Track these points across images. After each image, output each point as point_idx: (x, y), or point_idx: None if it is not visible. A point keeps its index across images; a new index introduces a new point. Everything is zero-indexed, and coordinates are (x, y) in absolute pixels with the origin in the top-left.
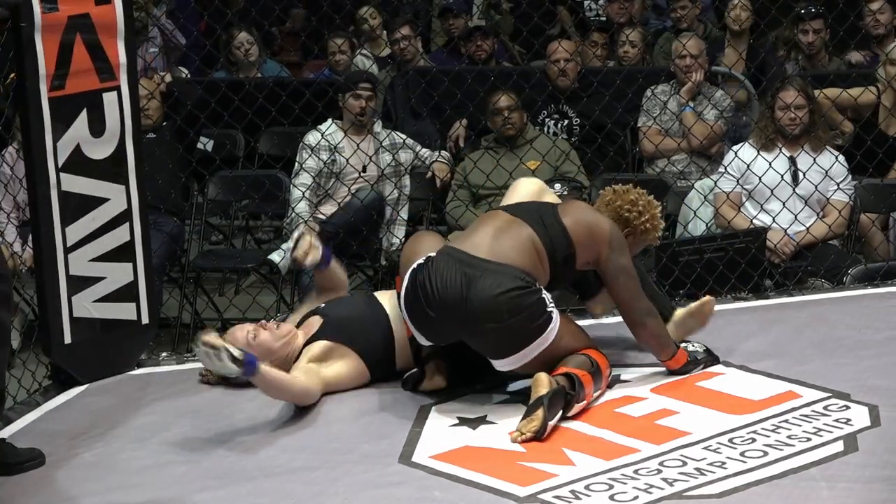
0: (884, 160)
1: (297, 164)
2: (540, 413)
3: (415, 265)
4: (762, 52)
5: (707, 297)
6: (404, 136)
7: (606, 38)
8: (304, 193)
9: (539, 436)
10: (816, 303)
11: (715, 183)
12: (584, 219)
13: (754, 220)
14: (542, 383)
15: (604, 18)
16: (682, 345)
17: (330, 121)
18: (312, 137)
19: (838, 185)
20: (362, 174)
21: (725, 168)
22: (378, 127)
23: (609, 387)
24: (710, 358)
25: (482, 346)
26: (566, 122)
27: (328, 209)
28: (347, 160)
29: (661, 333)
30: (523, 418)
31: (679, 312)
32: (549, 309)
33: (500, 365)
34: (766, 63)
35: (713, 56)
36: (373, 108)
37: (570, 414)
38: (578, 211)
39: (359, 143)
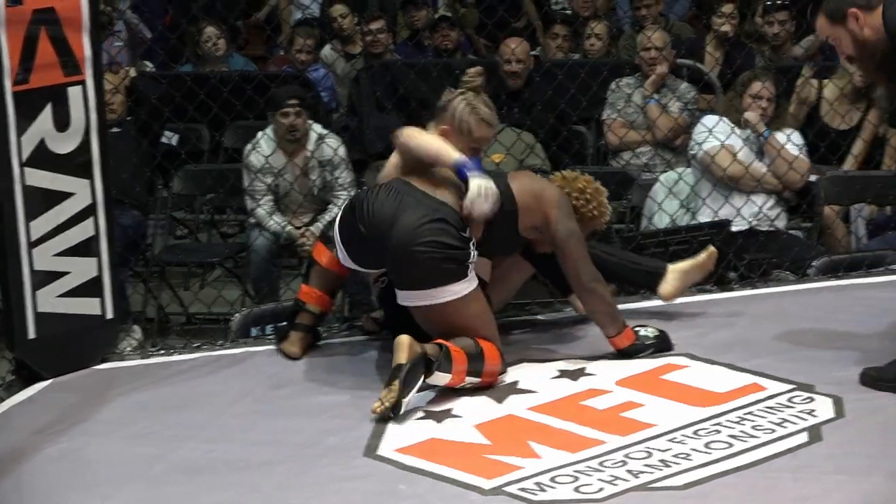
0: (834, 152)
1: (246, 185)
2: (396, 385)
3: (360, 191)
4: (738, 59)
5: (711, 249)
6: (335, 149)
7: (569, 31)
8: (270, 215)
9: (395, 408)
10: (781, 295)
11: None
12: (531, 184)
13: (718, 213)
14: (402, 349)
15: (569, 12)
16: (635, 328)
17: (267, 136)
18: (255, 159)
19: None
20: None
21: (710, 130)
22: (311, 144)
23: (573, 379)
24: (662, 344)
25: (395, 271)
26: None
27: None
28: (292, 184)
29: (609, 303)
30: (385, 387)
31: (684, 263)
32: (469, 264)
33: (403, 297)
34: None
35: (678, 49)
36: (303, 124)
37: (431, 381)
38: (526, 178)
39: (302, 168)
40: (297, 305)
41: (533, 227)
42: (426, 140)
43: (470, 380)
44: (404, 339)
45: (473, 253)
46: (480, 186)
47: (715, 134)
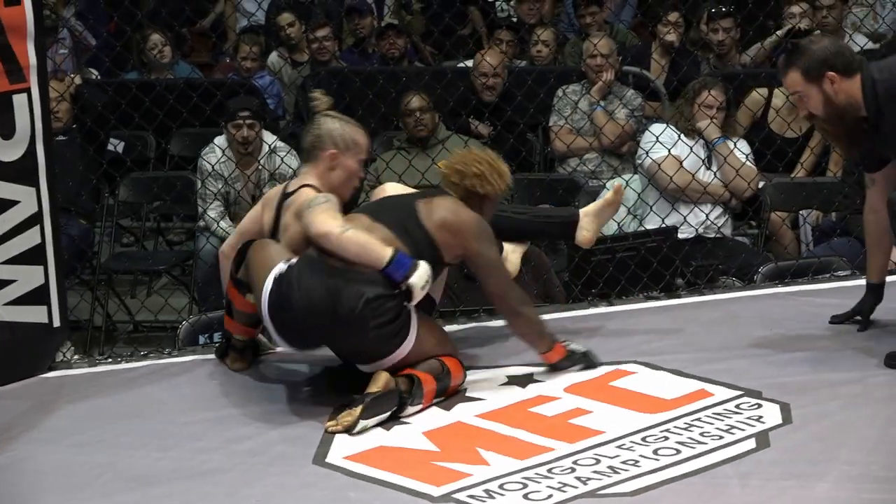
0: (780, 159)
1: (198, 188)
2: (357, 411)
3: (275, 272)
4: (684, 66)
5: (618, 184)
6: (283, 161)
7: (515, 37)
8: (217, 220)
9: (349, 431)
10: (728, 301)
11: (647, 152)
12: (447, 219)
13: (665, 220)
14: (378, 382)
15: (515, 19)
16: (563, 342)
17: (220, 142)
18: (207, 164)
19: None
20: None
21: (656, 138)
22: (262, 155)
23: (522, 386)
24: (589, 360)
25: (346, 352)
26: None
27: None
28: (238, 192)
29: (536, 322)
30: (346, 408)
31: (593, 205)
32: (411, 320)
33: (365, 367)
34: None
35: (624, 56)
36: (256, 135)
37: (403, 415)
38: (440, 210)
39: (249, 175)
40: (226, 334)
41: (455, 257)
42: (351, 241)
43: (436, 399)
44: (382, 375)
45: (410, 306)
46: (419, 285)
47: (661, 143)
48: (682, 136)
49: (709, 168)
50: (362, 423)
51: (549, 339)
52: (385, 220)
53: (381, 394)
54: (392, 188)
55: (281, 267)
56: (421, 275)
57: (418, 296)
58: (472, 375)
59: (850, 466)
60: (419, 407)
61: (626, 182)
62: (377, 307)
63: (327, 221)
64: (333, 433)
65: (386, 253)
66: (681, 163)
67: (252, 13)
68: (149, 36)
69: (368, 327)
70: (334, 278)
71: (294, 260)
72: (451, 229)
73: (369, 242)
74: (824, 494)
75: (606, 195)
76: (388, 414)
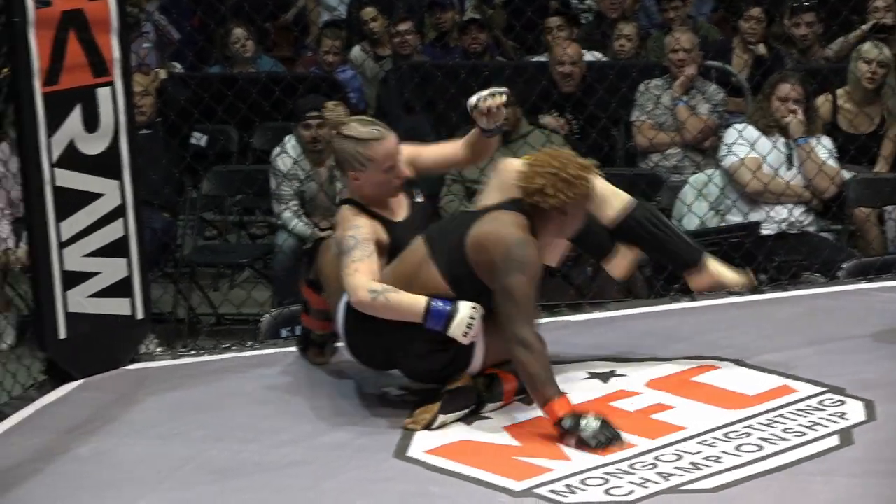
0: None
1: (273, 188)
2: (435, 407)
3: (344, 299)
4: (767, 62)
5: (752, 279)
6: None
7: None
8: (297, 217)
9: (428, 427)
10: (811, 297)
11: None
12: (478, 238)
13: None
14: (457, 379)
15: (590, 17)
16: (582, 420)
17: (294, 141)
18: (282, 164)
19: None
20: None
21: (739, 134)
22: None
23: (604, 381)
24: (599, 441)
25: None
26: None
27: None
28: (317, 191)
29: (533, 372)
30: (424, 404)
31: (725, 270)
32: (475, 343)
33: None
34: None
35: (706, 50)
36: (326, 134)
37: (482, 412)
38: (478, 230)
39: (327, 175)
40: (305, 331)
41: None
42: (384, 308)
43: (517, 397)
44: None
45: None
46: (458, 333)
47: (744, 139)
48: (764, 133)
49: (791, 166)
50: (441, 419)
51: (545, 396)
52: (438, 253)
53: (459, 389)
54: (503, 171)
55: (345, 298)
56: (459, 322)
57: (464, 340)
58: (553, 370)
59: None
60: (499, 404)
61: (709, 177)
62: (434, 361)
63: (358, 288)
64: (412, 430)
65: (419, 308)
66: (760, 164)
67: (334, 7)
68: (232, 30)
69: (436, 372)
70: (387, 338)
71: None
72: (480, 249)
73: (401, 304)
74: None
75: (743, 275)
76: (466, 410)
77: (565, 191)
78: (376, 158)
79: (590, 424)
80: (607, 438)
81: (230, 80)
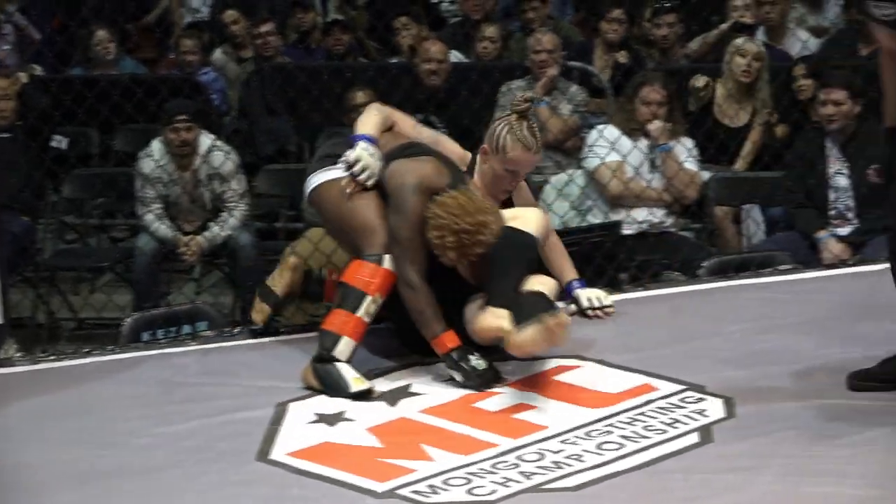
0: (724, 151)
1: (137, 192)
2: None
3: None
4: (627, 64)
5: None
6: (224, 161)
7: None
8: (160, 220)
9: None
10: (671, 296)
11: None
12: (391, 170)
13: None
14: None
15: (458, 17)
16: (470, 356)
17: (159, 144)
18: (146, 167)
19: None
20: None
21: (591, 146)
22: (200, 155)
23: None
24: (482, 380)
25: None
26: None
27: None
28: (180, 196)
29: (419, 309)
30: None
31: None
32: None
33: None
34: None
35: (568, 51)
36: (193, 138)
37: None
38: (400, 162)
39: (192, 180)
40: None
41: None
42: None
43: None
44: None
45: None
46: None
47: (605, 144)
48: (625, 135)
49: (653, 168)
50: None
51: (430, 331)
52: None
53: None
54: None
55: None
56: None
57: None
58: (415, 371)
59: (792, 460)
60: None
61: (570, 177)
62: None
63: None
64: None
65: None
66: (623, 167)
67: (197, 9)
68: (93, 32)
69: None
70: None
71: None
72: (388, 177)
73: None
74: (766, 488)
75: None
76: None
77: (454, 246)
78: (507, 155)
79: (478, 363)
80: (488, 381)
81: (91, 82)
